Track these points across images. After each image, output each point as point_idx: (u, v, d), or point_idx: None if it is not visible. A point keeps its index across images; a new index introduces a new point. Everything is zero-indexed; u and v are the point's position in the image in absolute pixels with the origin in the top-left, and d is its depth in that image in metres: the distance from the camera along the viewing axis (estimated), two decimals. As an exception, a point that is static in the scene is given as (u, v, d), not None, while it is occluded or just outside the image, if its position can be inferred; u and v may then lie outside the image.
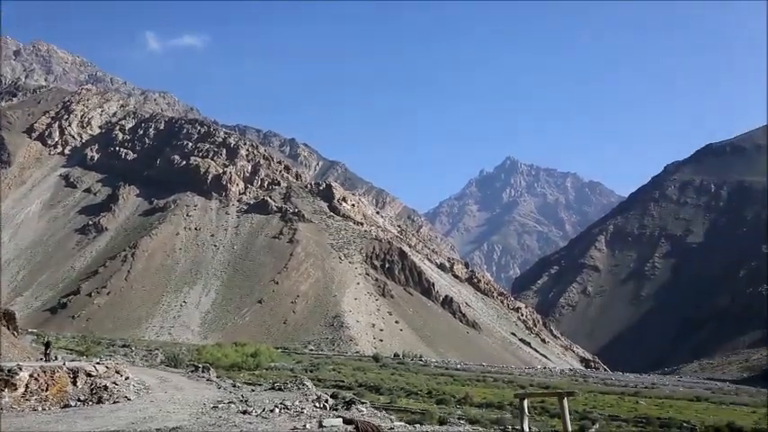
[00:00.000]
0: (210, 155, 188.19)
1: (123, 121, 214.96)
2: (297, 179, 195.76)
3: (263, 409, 17.75)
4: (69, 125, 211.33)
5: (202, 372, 36.11)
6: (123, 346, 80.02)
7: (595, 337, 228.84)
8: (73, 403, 18.91)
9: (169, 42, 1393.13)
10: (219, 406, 18.81)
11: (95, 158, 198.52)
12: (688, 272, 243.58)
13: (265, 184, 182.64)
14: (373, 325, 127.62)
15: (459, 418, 31.20)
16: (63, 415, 17.27)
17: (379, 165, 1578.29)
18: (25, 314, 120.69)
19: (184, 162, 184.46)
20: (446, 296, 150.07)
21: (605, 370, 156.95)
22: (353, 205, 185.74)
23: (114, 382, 20.81)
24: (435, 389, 52.52)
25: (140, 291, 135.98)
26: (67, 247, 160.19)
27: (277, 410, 17.63)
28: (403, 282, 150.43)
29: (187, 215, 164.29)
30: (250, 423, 15.84)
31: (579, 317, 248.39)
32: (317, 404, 19.40)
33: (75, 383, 19.66)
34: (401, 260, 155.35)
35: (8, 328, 39.58)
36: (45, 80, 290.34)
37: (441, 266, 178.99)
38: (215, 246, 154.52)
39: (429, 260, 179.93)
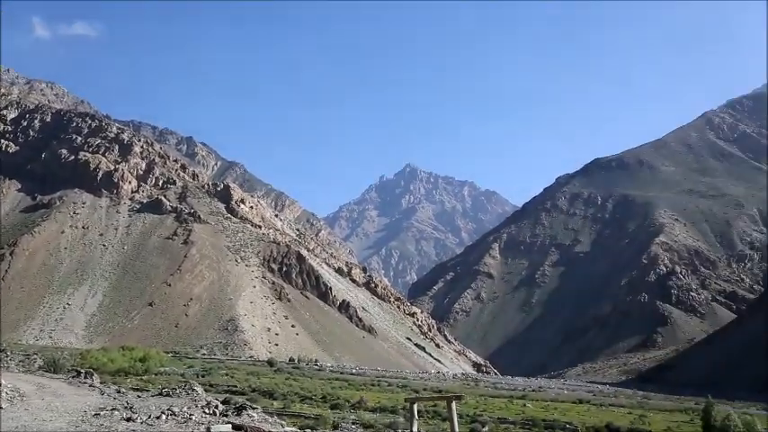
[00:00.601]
0: (102, 150, 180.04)
1: (5, 111, 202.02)
2: (193, 179, 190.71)
3: (149, 416, 17.02)
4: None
5: (85, 377, 34.29)
6: (-2, 350, 75.15)
7: (487, 342, 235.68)
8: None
9: (58, 30, 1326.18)
10: (102, 413, 17.87)
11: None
12: (575, 280, 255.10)
13: (160, 183, 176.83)
14: (269, 329, 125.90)
15: (352, 423, 31.20)
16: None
17: (279, 167, 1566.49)
18: None
19: (73, 157, 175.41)
20: (343, 300, 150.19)
21: (496, 374, 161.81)
22: (252, 207, 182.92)
23: (-16, 389, 19.40)
24: (330, 393, 52.34)
25: (19, 291, 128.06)
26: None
27: (164, 417, 16.95)
28: (300, 286, 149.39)
29: (74, 213, 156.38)
30: (134, 431, 15.16)
31: (473, 322, 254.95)
32: (207, 410, 18.80)
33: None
34: (299, 264, 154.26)
35: None
36: None
37: (338, 271, 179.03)
38: (104, 245, 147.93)
39: (327, 264, 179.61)
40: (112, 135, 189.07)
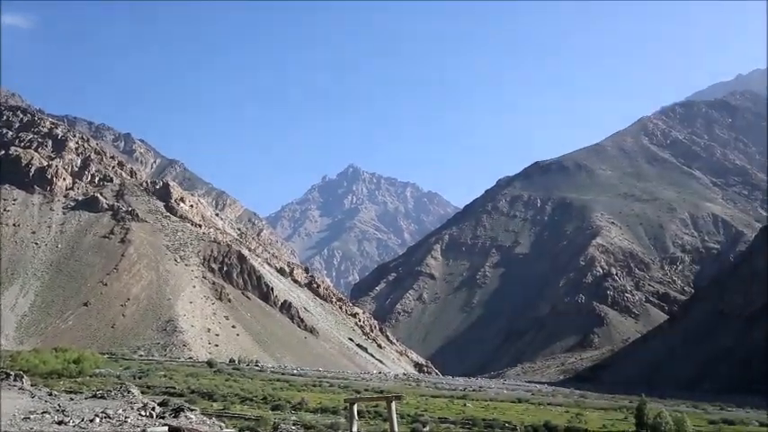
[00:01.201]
0: (34, 146, 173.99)
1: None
2: (131, 176, 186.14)
3: (82, 419, 16.47)
4: None
5: (15, 380, 33.00)
6: None
7: (429, 343, 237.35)
8: None
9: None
10: (32, 417, 17.20)
11: None
12: (515, 281, 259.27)
13: (96, 180, 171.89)
14: (209, 330, 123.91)
15: (293, 424, 30.97)
16: None
17: (220, 165, 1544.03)
18: None
19: (3, 152, 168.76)
20: (285, 301, 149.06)
21: (437, 374, 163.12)
22: (192, 206, 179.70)
23: None
24: (271, 394, 51.92)
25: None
26: None
27: (98, 420, 16.44)
28: (241, 286, 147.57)
29: (4, 209, 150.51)
30: (66, 434, 14.64)
31: (414, 323, 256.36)
32: (143, 412, 18.31)
33: None
34: (240, 264, 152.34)
35: None
36: None
37: (280, 271, 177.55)
38: (36, 244, 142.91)
39: (269, 264, 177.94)
40: (46, 130, 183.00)
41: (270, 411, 40.10)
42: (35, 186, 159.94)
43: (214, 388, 53.13)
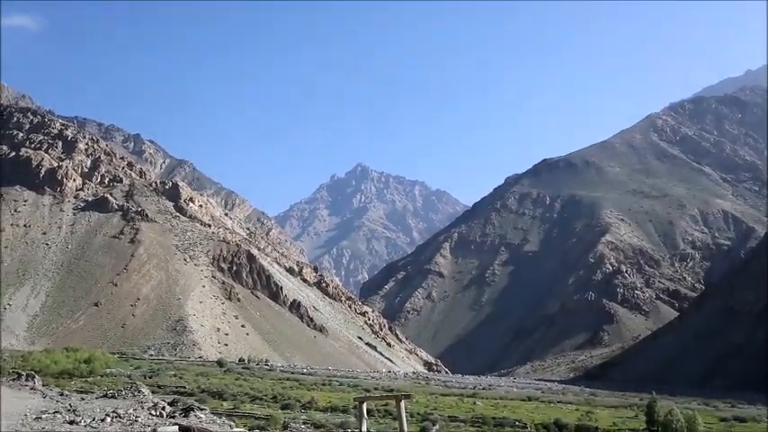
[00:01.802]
0: (44, 147, 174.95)
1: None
2: (141, 177, 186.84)
3: (93, 419, 16.58)
4: None
5: (26, 380, 33.28)
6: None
7: (438, 341, 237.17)
8: None
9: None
10: (43, 416, 17.33)
11: None
12: (524, 279, 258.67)
13: (106, 181, 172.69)
14: (218, 329, 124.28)
15: (303, 423, 31.06)
16: None
17: (228, 165, 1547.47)
18: None
19: (14, 153, 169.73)
20: (294, 300, 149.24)
21: (446, 372, 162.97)
22: (201, 206, 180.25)
23: None
24: (281, 393, 52.02)
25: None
26: None
27: (108, 420, 16.54)
28: (250, 285, 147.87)
29: (15, 211, 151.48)
30: (77, 434, 14.75)
31: (423, 321, 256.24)
32: (154, 412, 18.42)
33: None
34: (249, 263, 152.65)
35: None
36: None
37: (289, 270, 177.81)
38: (47, 244, 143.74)
39: (278, 263, 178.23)
40: (56, 131, 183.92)
41: (280, 410, 40.22)
42: (45, 187, 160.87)
43: (224, 387, 53.31)
